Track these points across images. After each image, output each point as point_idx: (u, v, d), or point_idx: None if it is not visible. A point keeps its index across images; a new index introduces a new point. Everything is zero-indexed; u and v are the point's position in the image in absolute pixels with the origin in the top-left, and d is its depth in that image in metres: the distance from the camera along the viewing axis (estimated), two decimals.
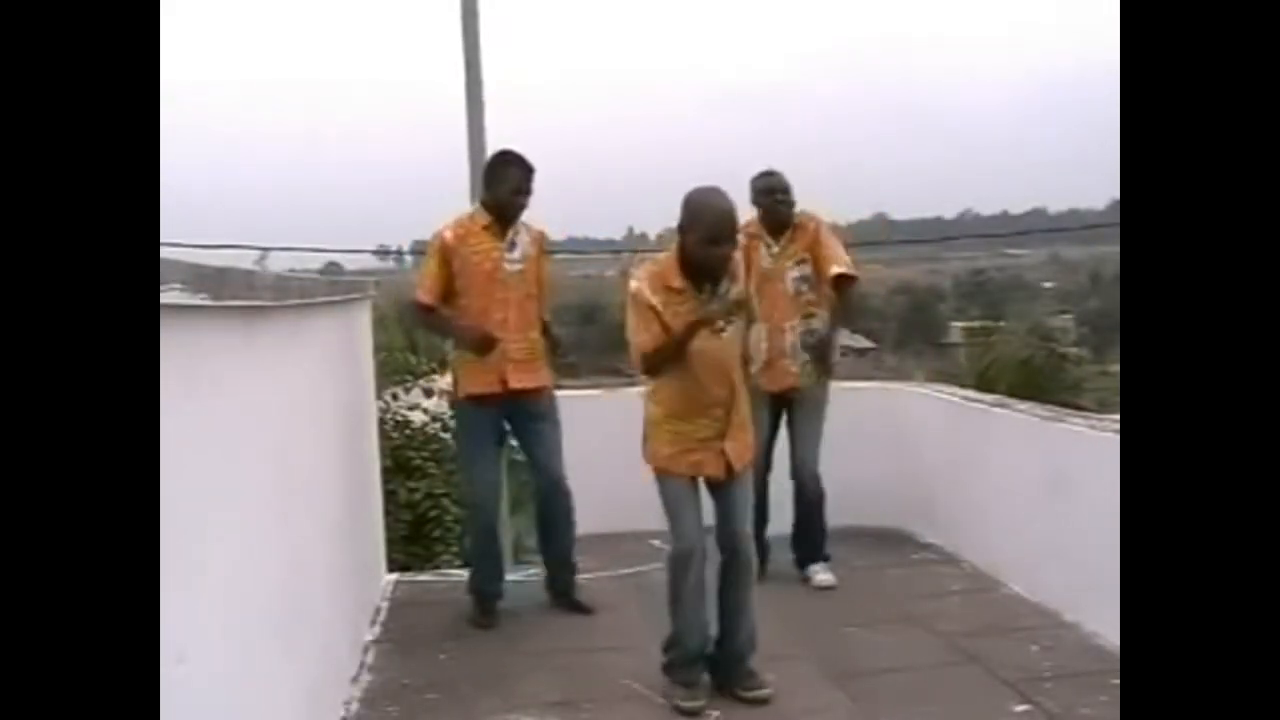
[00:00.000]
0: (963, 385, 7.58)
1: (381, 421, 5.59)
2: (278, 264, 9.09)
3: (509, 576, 4.71)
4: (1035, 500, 4.62)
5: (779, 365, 4.83)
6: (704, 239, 3.40)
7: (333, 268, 18.90)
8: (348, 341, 4.52)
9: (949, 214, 78.72)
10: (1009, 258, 63.47)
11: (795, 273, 4.78)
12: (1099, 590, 3.63)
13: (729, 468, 3.55)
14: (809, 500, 4.95)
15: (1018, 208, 79.01)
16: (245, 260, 8.19)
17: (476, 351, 4.28)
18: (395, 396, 6.18)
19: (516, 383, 4.33)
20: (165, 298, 1.64)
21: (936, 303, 59.43)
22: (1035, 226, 58.80)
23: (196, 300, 1.96)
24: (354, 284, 4.96)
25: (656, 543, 4.84)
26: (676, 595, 3.56)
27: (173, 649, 1.61)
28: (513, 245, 4.34)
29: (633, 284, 3.51)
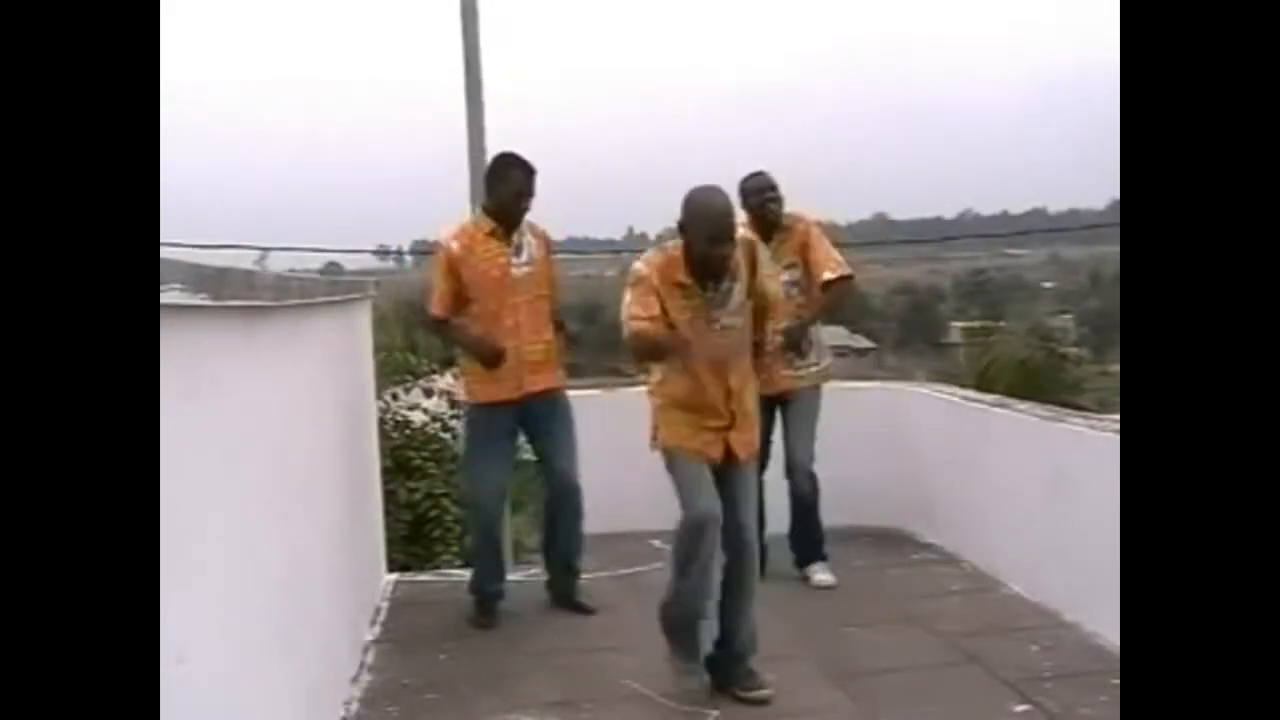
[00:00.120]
0: (962, 385, 7.58)
1: (381, 421, 5.59)
2: (278, 264, 9.11)
3: (509, 577, 4.71)
4: (1035, 500, 4.61)
5: (772, 369, 4.82)
6: (703, 239, 3.40)
7: (333, 268, 18.95)
8: (348, 341, 4.52)
9: (949, 214, 78.68)
10: (1009, 258, 63.49)
11: (785, 276, 4.76)
12: (1099, 590, 3.63)
13: (735, 455, 3.55)
14: (804, 498, 4.95)
15: (1018, 208, 79.01)
16: (245, 260, 8.20)
17: (486, 365, 4.30)
18: (395, 396, 6.18)
19: (533, 385, 4.34)
20: (165, 298, 1.64)
21: (936, 303, 59.49)
22: (1035, 226, 58.85)
23: (196, 300, 1.96)
24: (354, 284, 4.96)
25: (657, 543, 4.84)
26: (686, 560, 3.50)
27: (173, 649, 1.61)
28: (519, 249, 4.33)
29: (638, 265, 3.51)
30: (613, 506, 4.82)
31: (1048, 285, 59.12)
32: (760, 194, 4.80)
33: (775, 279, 3.78)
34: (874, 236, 55.36)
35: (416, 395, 6.35)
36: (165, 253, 1.62)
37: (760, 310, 3.61)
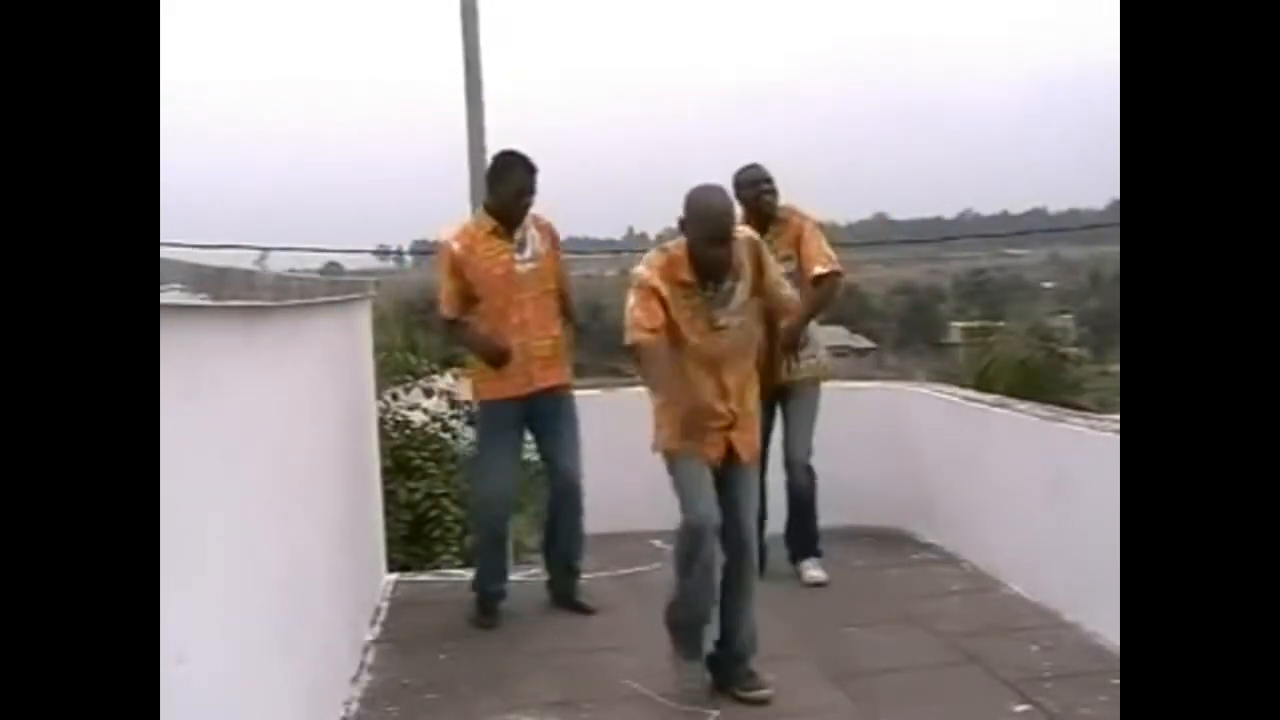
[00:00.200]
0: (962, 385, 7.58)
1: (381, 421, 5.59)
2: (278, 264, 9.11)
3: (510, 577, 4.71)
4: (1035, 500, 4.61)
5: (773, 365, 4.83)
6: (701, 238, 3.39)
7: (333, 268, 18.95)
8: (348, 341, 4.52)
9: (949, 214, 78.61)
10: (1009, 258, 63.48)
11: (781, 269, 4.77)
12: (1099, 590, 3.63)
13: (736, 456, 3.55)
14: (801, 493, 4.96)
15: (1018, 208, 78.93)
16: (245, 260, 8.20)
17: (492, 364, 4.31)
18: (395, 396, 6.18)
19: (542, 381, 4.34)
20: (165, 298, 1.64)
21: (936, 303, 59.49)
22: (1035, 226, 58.86)
23: (196, 300, 1.96)
24: (354, 284, 4.97)
25: (657, 543, 4.84)
26: (687, 563, 3.51)
27: (173, 649, 1.61)
28: (522, 245, 4.33)
29: (640, 268, 3.50)
30: (613, 506, 4.82)
31: (1048, 285, 59.12)
32: (755, 186, 4.80)
33: (785, 284, 3.74)
34: (874, 236, 55.44)
35: (416, 395, 6.35)
36: (165, 253, 1.62)
37: (770, 311, 3.59)
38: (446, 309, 4.38)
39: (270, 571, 2.64)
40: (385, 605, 4.68)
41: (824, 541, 5.11)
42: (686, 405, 3.48)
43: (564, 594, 4.58)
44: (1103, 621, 3.97)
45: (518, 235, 4.32)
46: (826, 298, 4.90)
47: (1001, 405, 5.39)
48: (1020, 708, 3.52)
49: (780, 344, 4.70)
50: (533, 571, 4.87)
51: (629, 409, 3.96)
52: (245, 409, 2.47)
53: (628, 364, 3.65)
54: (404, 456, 5.91)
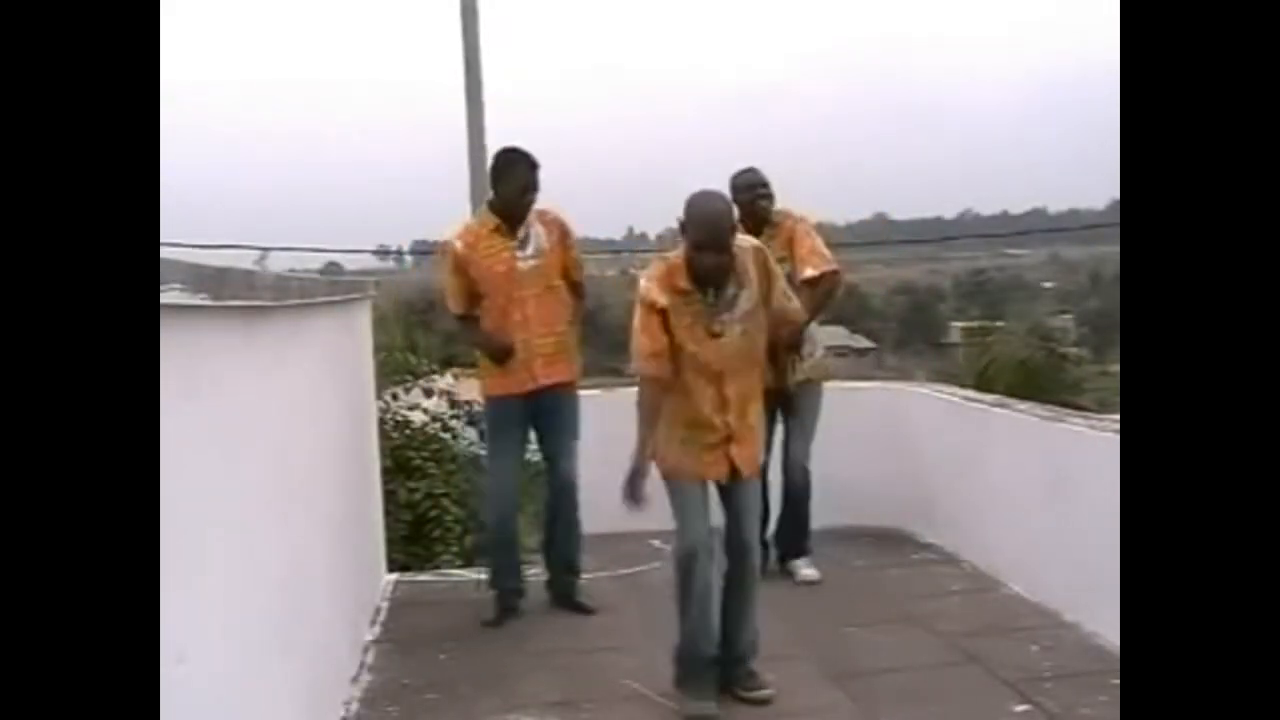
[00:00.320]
0: (962, 385, 7.58)
1: (381, 421, 5.59)
2: (278, 264, 9.10)
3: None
4: (1035, 500, 4.61)
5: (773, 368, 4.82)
6: (694, 244, 3.35)
7: (333, 268, 18.93)
8: (348, 341, 4.52)
9: (949, 214, 78.52)
10: (1009, 258, 63.46)
11: None
12: (1099, 590, 3.63)
13: (736, 472, 3.53)
14: (796, 492, 4.96)
15: (1018, 208, 78.82)
16: (245, 260, 8.20)
17: (494, 361, 4.33)
18: (395, 396, 6.18)
19: (545, 379, 4.35)
20: (165, 298, 1.64)
21: (937, 303, 59.46)
22: (1035, 226, 58.80)
23: (196, 300, 1.96)
24: (354, 284, 4.96)
25: (657, 543, 4.84)
26: (684, 596, 3.53)
27: (173, 649, 1.61)
28: (525, 243, 4.32)
29: (642, 283, 3.48)
30: (613, 506, 4.78)
31: (1048, 285, 59.09)
32: (751, 190, 4.79)
33: (793, 296, 3.72)
34: (874, 236, 55.39)
35: (416, 395, 6.35)
36: (165, 253, 1.62)
37: (774, 324, 3.55)
38: (453, 305, 4.42)
39: (270, 571, 2.64)
40: (385, 605, 4.68)
41: (825, 541, 5.11)
42: (686, 419, 3.47)
43: (564, 594, 4.58)
44: (1103, 621, 3.97)
45: (521, 233, 4.32)
46: (826, 299, 4.89)
47: (1001, 405, 5.39)
48: (1020, 708, 3.52)
49: (781, 345, 4.70)
50: (532, 572, 4.86)
51: (629, 409, 3.94)
52: (245, 409, 2.47)
53: (628, 364, 3.64)
54: (404, 456, 5.91)
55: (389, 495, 5.38)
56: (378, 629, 4.39)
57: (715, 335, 3.42)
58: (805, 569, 4.99)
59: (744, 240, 3.50)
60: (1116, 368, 17.21)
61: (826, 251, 4.85)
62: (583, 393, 4.64)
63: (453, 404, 6.19)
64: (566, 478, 4.44)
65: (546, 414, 4.41)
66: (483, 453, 5.15)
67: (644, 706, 3.59)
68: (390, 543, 5.27)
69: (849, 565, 5.19)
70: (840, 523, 5.36)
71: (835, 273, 4.85)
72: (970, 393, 6.28)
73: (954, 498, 5.48)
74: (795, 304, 3.71)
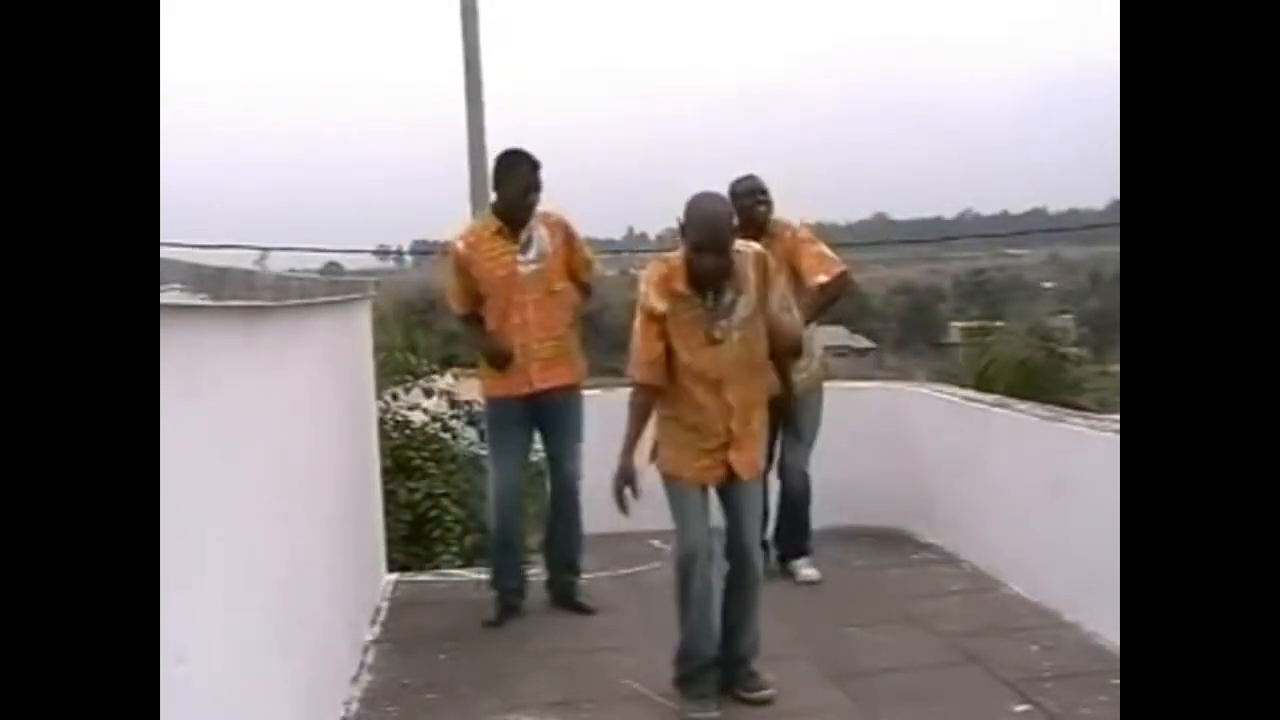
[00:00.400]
0: (962, 385, 7.58)
1: (381, 421, 5.59)
2: (278, 264, 9.12)
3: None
4: (1035, 500, 4.61)
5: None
6: (694, 245, 3.33)
7: (333, 268, 18.94)
8: (348, 341, 4.53)
9: (949, 214, 78.51)
10: (1009, 258, 63.45)
11: None
12: (1099, 590, 3.63)
13: (734, 475, 3.52)
14: (794, 496, 4.96)
15: (1018, 208, 78.82)
16: (245, 260, 8.21)
17: (493, 365, 4.34)
18: (395, 396, 6.18)
19: (544, 383, 4.34)
20: (165, 298, 1.64)
21: (936, 303, 59.44)
22: (1035, 226, 58.82)
23: (196, 300, 1.96)
24: (354, 284, 4.97)
25: (656, 543, 4.84)
26: (684, 599, 3.53)
27: (173, 649, 1.61)
28: (527, 246, 4.31)
29: (641, 287, 3.47)
30: (613, 506, 4.82)
31: (1048, 285, 59.09)
32: (751, 196, 4.78)
33: (791, 308, 3.70)
34: (874, 236, 55.40)
35: (416, 395, 6.35)
36: (165, 253, 1.62)
37: (770, 333, 3.53)
38: (456, 305, 4.44)
39: (270, 571, 2.64)
40: (385, 605, 4.68)
41: (825, 542, 5.10)
42: (685, 423, 3.47)
43: (564, 594, 4.58)
44: (1103, 621, 3.97)
45: (523, 236, 4.31)
46: (830, 299, 4.89)
47: (1001, 405, 5.39)
48: (1020, 708, 3.52)
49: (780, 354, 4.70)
50: (532, 571, 4.87)
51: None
52: (245, 409, 2.47)
53: (628, 364, 3.63)
54: (404, 456, 5.91)
55: (389, 495, 5.38)
56: (378, 629, 4.39)
57: (715, 342, 3.40)
58: (805, 569, 4.99)
59: (746, 246, 3.47)
60: (1116, 368, 17.21)
61: (832, 254, 4.86)
62: (584, 393, 4.64)
63: (453, 404, 6.19)
64: (569, 479, 4.44)
65: (549, 416, 4.41)
66: (483, 453, 5.15)
67: (644, 706, 3.59)
68: (390, 543, 5.27)
69: (849, 565, 5.19)
70: (840, 523, 5.36)
71: (845, 273, 4.86)
72: (970, 393, 6.28)
73: (954, 498, 5.48)
74: (791, 317, 3.67)
